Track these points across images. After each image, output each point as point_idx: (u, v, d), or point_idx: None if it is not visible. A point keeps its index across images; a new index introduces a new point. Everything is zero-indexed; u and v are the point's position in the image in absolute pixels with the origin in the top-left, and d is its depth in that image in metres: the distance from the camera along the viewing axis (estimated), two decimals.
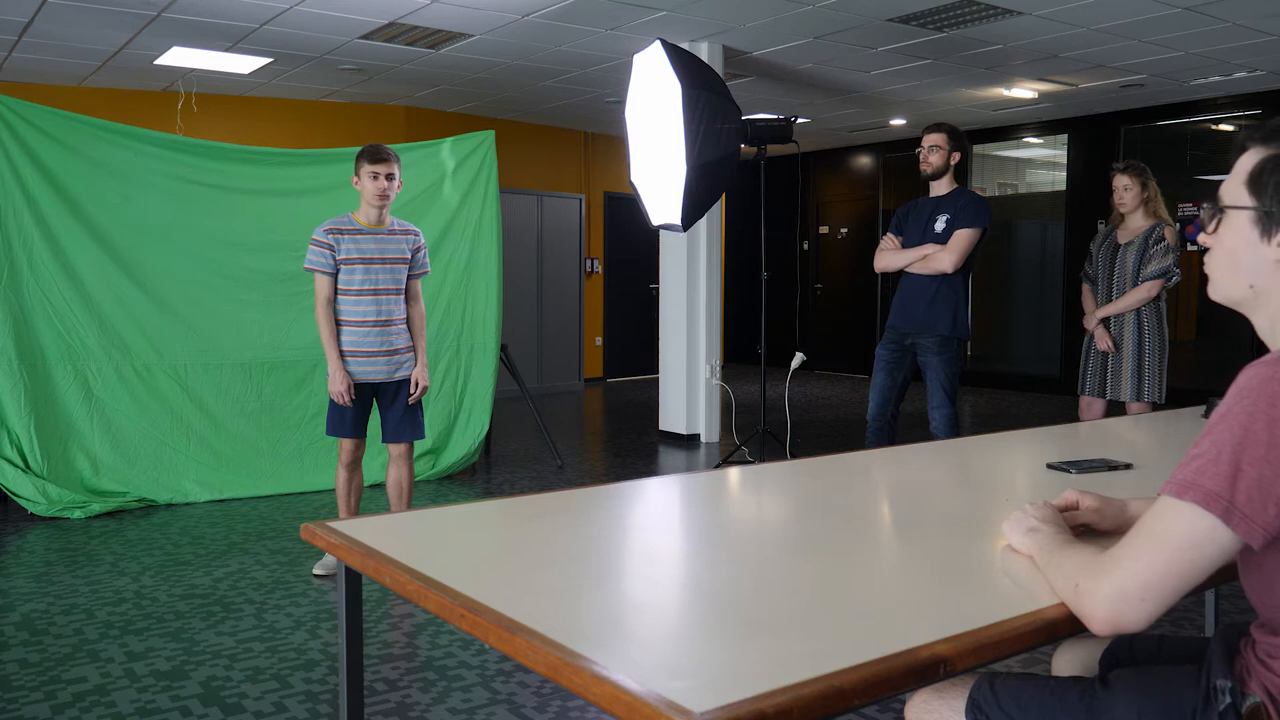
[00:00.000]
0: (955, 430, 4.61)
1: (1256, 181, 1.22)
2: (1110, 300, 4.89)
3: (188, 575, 4.04)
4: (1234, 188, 1.25)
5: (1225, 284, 1.28)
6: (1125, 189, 4.83)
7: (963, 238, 4.51)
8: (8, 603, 3.70)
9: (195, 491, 5.31)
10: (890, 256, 4.73)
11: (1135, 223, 4.85)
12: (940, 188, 4.66)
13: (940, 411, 4.55)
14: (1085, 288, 5.07)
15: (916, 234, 4.67)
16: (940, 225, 4.58)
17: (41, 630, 3.40)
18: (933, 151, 4.60)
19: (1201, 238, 1.31)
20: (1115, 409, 5.03)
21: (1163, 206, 4.88)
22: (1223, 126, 9.12)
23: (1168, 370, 4.87)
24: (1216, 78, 8.16)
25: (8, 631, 3.39)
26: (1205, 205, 1.30)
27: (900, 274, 4.72)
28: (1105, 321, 4.91)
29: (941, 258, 4.52)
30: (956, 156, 4.64)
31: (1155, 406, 4.88)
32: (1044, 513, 1.45)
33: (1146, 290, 4.76)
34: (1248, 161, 1.24)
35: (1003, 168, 11.54)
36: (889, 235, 4.81)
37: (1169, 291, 4.87)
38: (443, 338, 6.10)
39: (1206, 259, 1.31)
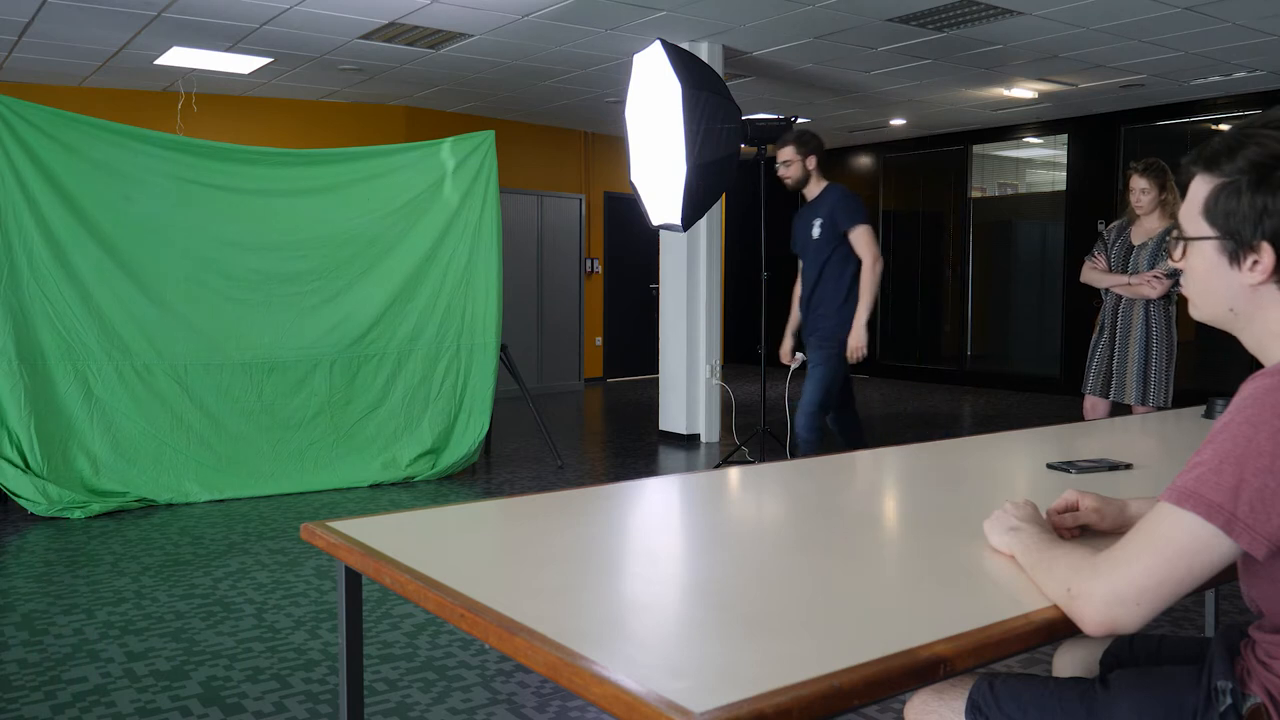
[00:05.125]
0: (811, 435, 4.58)
1: (1211, 211, 1.23)
2: (1119, 301, 4.78)
3: (188, 575, 4.04)
4: (1192, 216, 1.26)
5: (1204, 307, 1.29)
6: (1143, 191, 4.66)
7: (863, 237, 4.52)
8: (8, 603, 3.70)
9: (195, 491, 5.31)
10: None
11: (1151, 224, 4.71)
12: (811, 191, 4.68)
13: (804, 411, 4.59)
14: (1093, 260, 4.91)
15: (803, 242, 4.73)
16: (815, 231, 4.59)
17: (41, 630, 3.40)
18: (785, 167, 4.62)
19: (1171, 263, 1.32)
20: (1121, 410, 4.99)
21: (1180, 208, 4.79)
22: (1222, 126, 9.12)
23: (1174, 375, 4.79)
24: (1216, 78, 8.16)
25: (8, 631, 3.39)
26: (1171, 234, 1.31)
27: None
28: (1114, 318, 4.81)
29: (866, 266, 4.56)
30: (813, 160, 4.62)
31: (1161, 411, 4.81)
32: (1025, 512, 1.44)
33: (1153, 285, 4.60)
34: (1199, 189, 1.25)
35: (1003, 168, 11.54)
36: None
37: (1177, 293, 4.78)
38: (443, 338, 6.11)
39: (1183, 281, 1.32)
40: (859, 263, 4.59)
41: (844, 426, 4.89)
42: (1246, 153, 1.19)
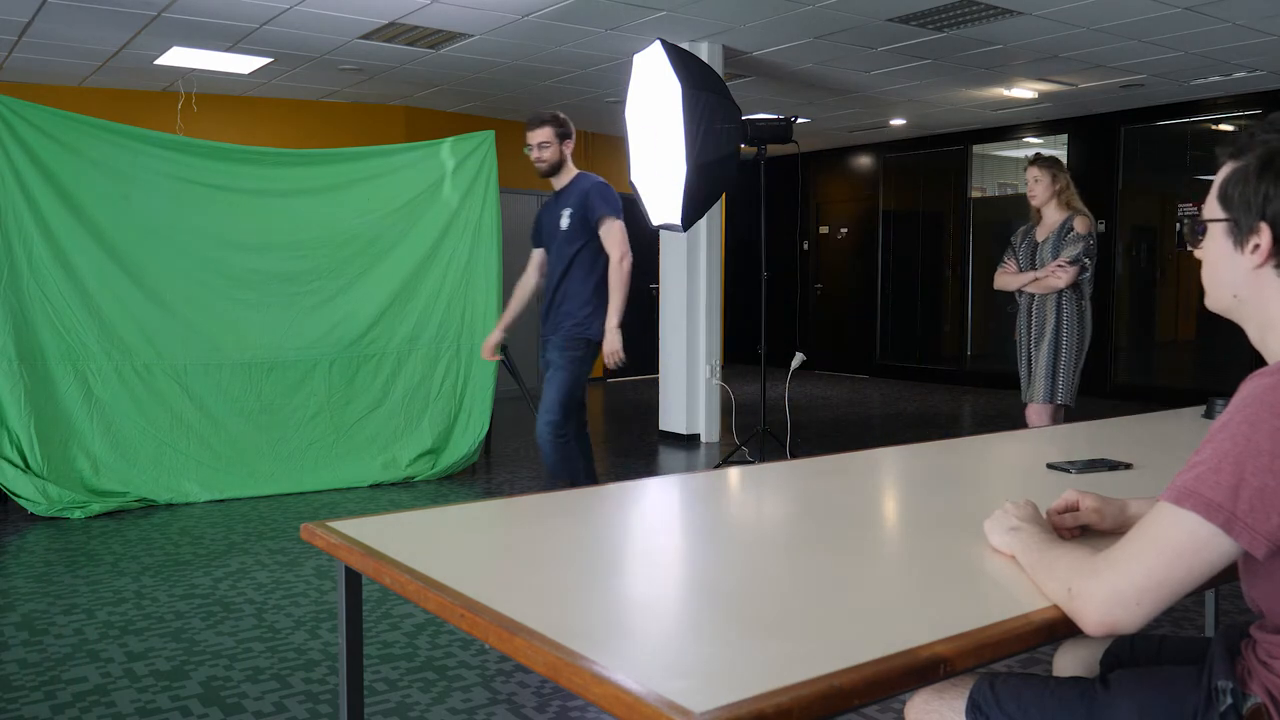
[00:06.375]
0: (556, 446, 4.17)
1: (1225, 194, 1.26)
2: (1032, 301, 4.72)
3: (188, 575, 4.04)
4: (1210, 201, 1.29)
5: (1213, 295, 1.31)
6: (1035, 180, 4.69)
7: (614, 231, 4.18)
8: (8, 603, 3.70)
9: (195, 491, 5.31)
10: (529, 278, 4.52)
11: (1051, 217, 4.70)
12: (560, 180, 4.36)
13: (544, 418, 4.20)
14: (1004, 266, 4.87)
15: (549, 233, 4.36)
16: (565, 222, 4.26)
17: (41, 630, 3.40)
18: (543, 149, 4.26)
19: (1196, 252, 1.33)
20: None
21: (1076, 198, 4.71)
22: (1223, 126, 9.12)
23: (1081, 373, 4.66)
24: (1216, 78, 8.16)
25: (8, 631, 3.39)
26: (1185, 220, 1.34)
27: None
28: (1029, 319, 4.73)
29: (614, 262, 4.18)
30: (569, 145, 4.32)
31: (1067, 411, 4.66)
32: (1025, 511, 1.44)
33: (1058, 275, 4.53)
34: (1220, 175, 1.28)
35: (1003, 168, 11.54)
36: (535, 252, 4.53)
37: (1089, 282, 4.64)
38: (443, 338, 6.11)
39: (1201, 271, 1.34)
40: (602, 260, 4.25)
41: (574, 449, 4.39)
42: (1265, 138, 1.22)
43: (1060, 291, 4.62)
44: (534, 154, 4.27)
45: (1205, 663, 1.31)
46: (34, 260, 5.07)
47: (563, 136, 4.27)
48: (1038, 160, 4.74)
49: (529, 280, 4.54)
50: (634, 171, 5.87)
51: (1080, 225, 4.59)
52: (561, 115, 4.30)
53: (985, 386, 10.91)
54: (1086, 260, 4.55)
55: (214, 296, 5.53)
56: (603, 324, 4.24)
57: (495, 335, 4.66)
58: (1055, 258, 4.59)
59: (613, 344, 4.23)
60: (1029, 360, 4.76)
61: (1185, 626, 3.41)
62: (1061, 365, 4.63)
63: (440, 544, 1.59)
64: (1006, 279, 4.85)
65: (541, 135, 4.25)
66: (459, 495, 5.64)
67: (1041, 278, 4.63)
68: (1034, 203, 4.76)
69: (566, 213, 4.24)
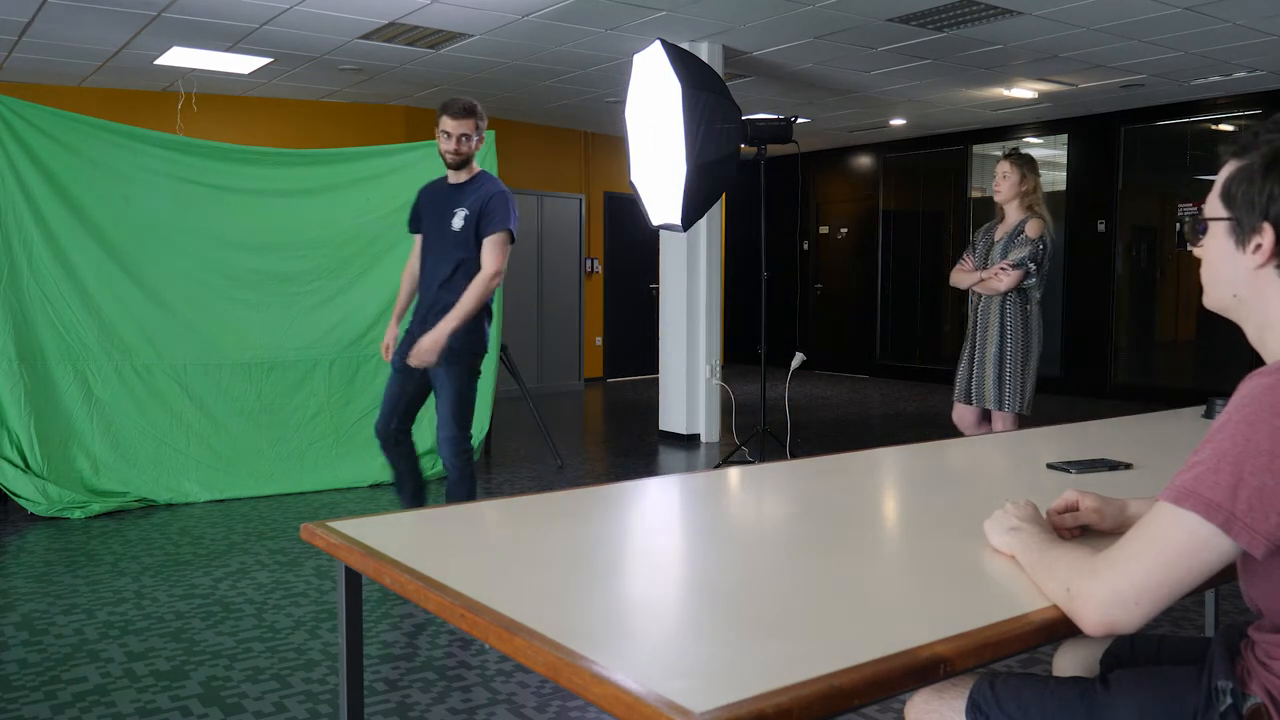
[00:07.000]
0: (462, 461, 3.92)
1: (1228, 193, 1.25)
2: (980, 300, 4.61)
3: (188, 575, 4.04)
4: (1212, 200, 1.29)
5: (1212, 293, 1.31)
6: (1004, 176, 4.59)
7: (497, 245, 3.87)
8: (8, 603, 3.70)
9: (195, 491, 5.31)
10: (412, 264, 4.16)
11: (1011, 216, 4.61)
12: (461, 175, 4.00)
13: (444, 433, 3.91)
14: (962, 263, 4.77)
15: (437, 229, 3.98)
16: (458, 222, 3.91)
17: (41, 630, 3.40)
18: (464, 141, 3.89)
19: (1195, 250, 1.33)
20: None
21: (1040, 202, 4.60)
22: (1223, 126, 9.12)
23: (1034, 380, 4.53)
24: (1216, 78, 8.16)
25: (8, 631, 3.39)
26: (1186, 219, 1.34)
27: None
28: (975, 319, 4.63)
29: (484, 275, 3.86)
30: (481, 141, 4.03)
31: (1021, 419, 4.52)
32: (1025, 512, 1.44)
33: (999, 277, 4.43)
34: (1223, 174, 1.28)
35: None
36: (418, 239, 4.15)
37: (1038, 288, 4.52)
38: None
39: (1200, 270, 1.33)
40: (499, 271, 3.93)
41: (404, 452, 4.12)
42: (1270, 138, 1.22)
43: (1005, 295, 4.48)
44: (451, 144, 3.90)
45: (1205, 663, 1.31)
46: (34, 260, 5.07)
47: (480, 130, 3.98)
48: (1011, 155, 4.62)
49: (416, 269, 4.17)
50: (634, 171, 5.88)
51: (1032, 229, 4.46)
52: (476, 105, 3.97)
53: None
54: (1031, 265, 4.42)
55: (214, 296, 5.53)
56: (486, 334, 3.98)
57: (391, 332, 4.23)
58: (1005, 258, 4.48)
59: (434, 338, 3.78)
60: (970, 360, 4.62)
61: (1185, 626, 3.41)
62: (1007, 374, 4.49)
63: (440, 544, 1.59)
64: (959, 276, 4.71)
65: (467, 126, 3.89)
66: None
67: (986, 279, 4.51)
68: (997, 198, 4.64)
69: (461, 213, 3.91)
